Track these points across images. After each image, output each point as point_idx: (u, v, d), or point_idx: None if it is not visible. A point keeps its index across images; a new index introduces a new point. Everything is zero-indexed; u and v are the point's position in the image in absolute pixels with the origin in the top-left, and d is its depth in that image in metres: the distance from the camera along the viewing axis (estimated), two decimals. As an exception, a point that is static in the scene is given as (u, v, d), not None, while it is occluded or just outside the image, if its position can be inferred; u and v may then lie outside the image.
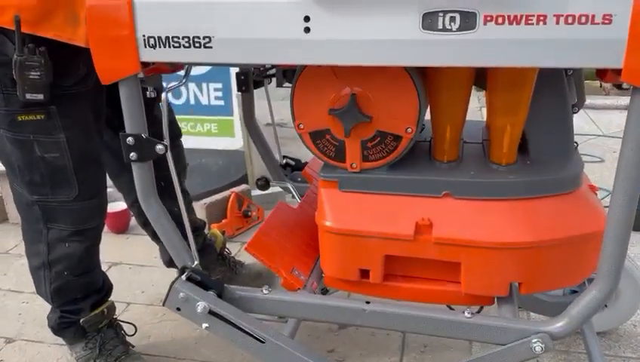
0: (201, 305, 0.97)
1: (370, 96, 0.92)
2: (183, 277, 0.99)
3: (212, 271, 1.63)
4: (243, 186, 2.31)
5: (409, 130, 0.94)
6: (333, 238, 0.99)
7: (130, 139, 0.90)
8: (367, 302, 0.97)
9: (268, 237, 1.11)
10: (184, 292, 0.98)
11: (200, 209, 2.10)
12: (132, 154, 0.91)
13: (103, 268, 1.40)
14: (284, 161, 1.48)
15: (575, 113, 1.09)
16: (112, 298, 1.42)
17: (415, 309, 0.96)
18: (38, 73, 1.01)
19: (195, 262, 1.02)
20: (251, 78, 1.35)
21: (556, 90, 0.98)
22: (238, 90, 1.37)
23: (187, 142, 1.57)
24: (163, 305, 1.00)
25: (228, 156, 2.62)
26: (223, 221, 2.13)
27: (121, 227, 2.18)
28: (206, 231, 1.68)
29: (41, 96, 1.04)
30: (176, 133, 1.49)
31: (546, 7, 0.71)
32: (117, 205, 2.08)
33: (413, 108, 0.92)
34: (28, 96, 1.03)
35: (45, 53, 1.00)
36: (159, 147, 0.91)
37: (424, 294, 1.01)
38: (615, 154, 1.47)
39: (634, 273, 1.34)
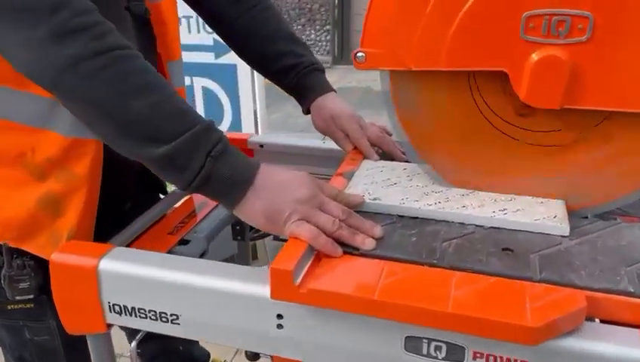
0: None
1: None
2: None
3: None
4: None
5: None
6: None
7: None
8: None
9: None
10: None
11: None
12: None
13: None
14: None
15: None
16: None
17: None
18: (28, 283, 0.97)
19: None
20: (247, 227, 1.28)
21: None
22: (234, 238, 1.31)
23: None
24: None
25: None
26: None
27: None
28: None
29: (31, 296, 1.00)
30: None
31: None
32: None
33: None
34: (18, 298, 1.00)
35: (34, 266, 0.96)
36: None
37: None
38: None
39: None
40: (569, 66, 0.69)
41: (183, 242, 0.97)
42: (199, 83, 2.33)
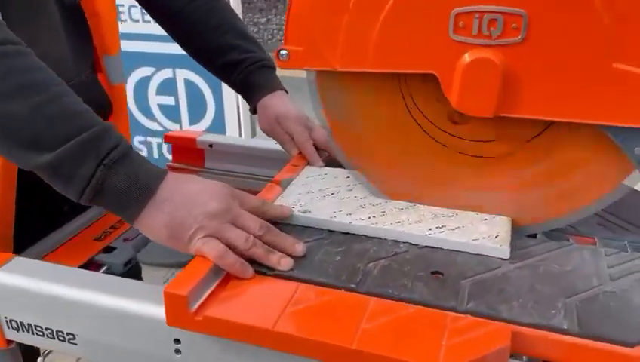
0: None
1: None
2: None
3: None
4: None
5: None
6: None
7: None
8: None
9: None
10: None
11: None
12: None
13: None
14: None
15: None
16: None
17: None
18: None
19: None
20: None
21: None
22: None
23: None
24: None
25: None
26: None
27: None
28: None
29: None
30: None
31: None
32: None
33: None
34: None
35: None
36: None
37: None
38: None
39: None
40: (502, 70, 0.61)
41: (109, 249, 0.91)
42: (181, 75, 2.27)
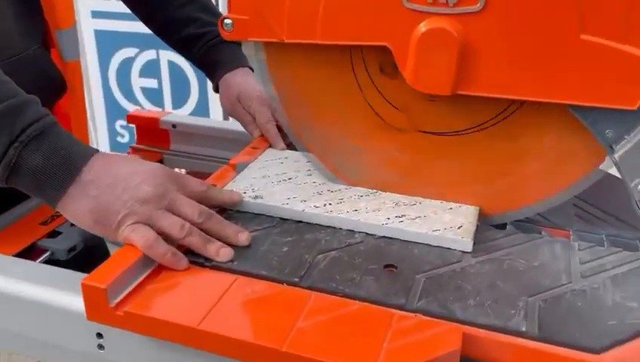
0: None
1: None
2: None
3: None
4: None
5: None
6: None
7: None
8: None
9: None
10: None
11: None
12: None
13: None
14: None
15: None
16: None
17: None
18: None
19: None
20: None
21: None
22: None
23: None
24: None
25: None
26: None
27: None
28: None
29: None
30: None
31: None
32: None
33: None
34: None
35: None
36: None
37: None
38: None
39: None
40: (460, 42, 0.54)
41: (54, 234, 0.86)
42: (165, 57, 2.20)
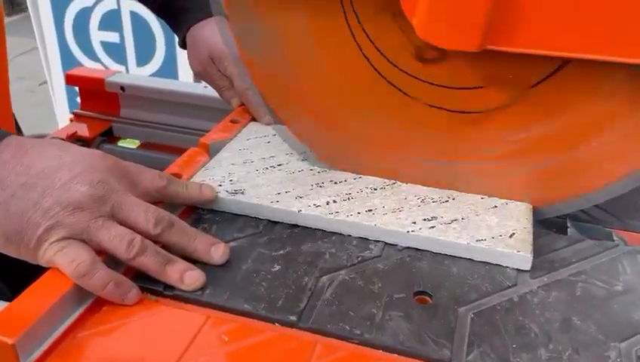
0: None
1: None
2: None
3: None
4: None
5: None
6: None
7: None
8: None
9: None
10: None
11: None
12: None
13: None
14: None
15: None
16: None
17: None
18: None
19: None
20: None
21: None
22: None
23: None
24: None
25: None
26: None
27: None
28: None
29: None
30: None
31: None
32: None
33: None
34: None
35: None
36: None
37: None
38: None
39: None
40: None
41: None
42: (127, 7, 1.95)
